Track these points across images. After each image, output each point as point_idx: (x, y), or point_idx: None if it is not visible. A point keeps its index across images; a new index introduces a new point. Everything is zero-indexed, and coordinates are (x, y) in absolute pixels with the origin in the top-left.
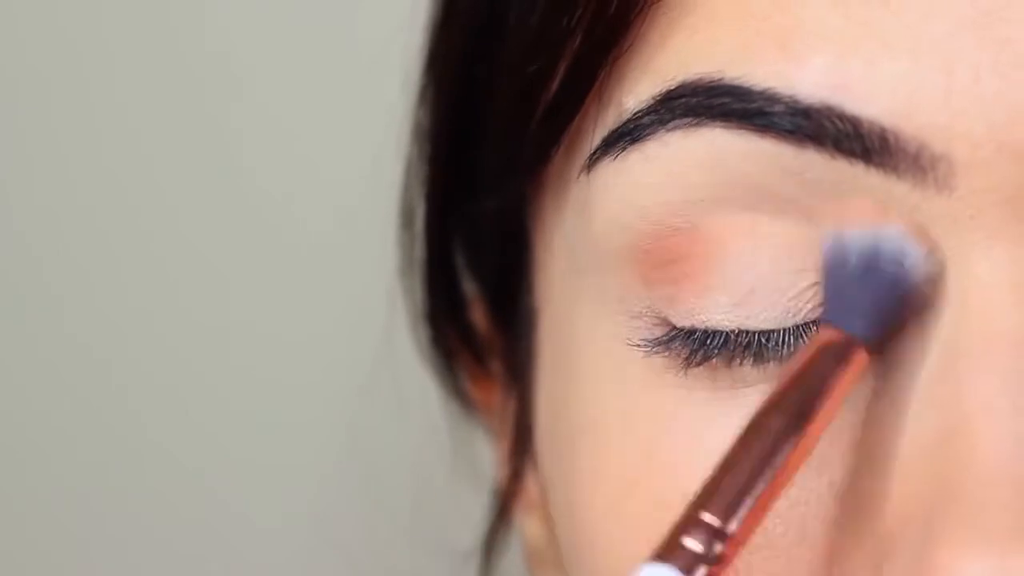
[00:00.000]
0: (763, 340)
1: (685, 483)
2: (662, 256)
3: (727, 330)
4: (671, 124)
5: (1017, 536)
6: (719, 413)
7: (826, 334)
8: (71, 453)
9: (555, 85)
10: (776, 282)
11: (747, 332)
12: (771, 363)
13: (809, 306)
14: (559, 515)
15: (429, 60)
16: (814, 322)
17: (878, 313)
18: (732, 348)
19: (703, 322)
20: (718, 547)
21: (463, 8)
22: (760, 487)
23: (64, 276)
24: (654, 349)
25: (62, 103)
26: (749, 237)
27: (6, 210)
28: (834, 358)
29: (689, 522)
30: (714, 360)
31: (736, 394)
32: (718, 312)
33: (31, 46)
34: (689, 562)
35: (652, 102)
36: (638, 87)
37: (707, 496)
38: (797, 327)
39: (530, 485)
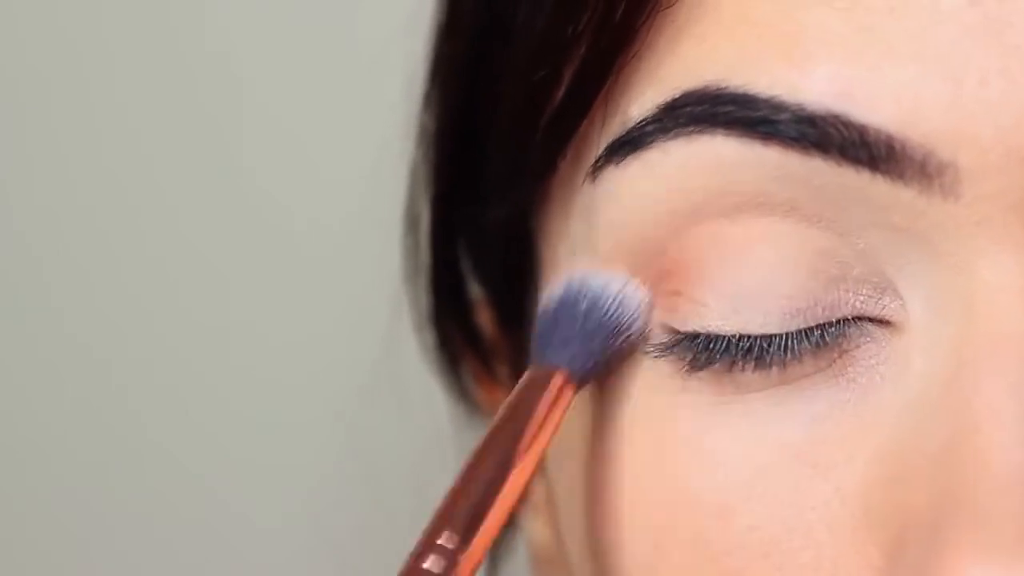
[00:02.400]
0: (764, 344)
1: (690, 488)
2: (664, 263)
3: (728, 335)
4: (673, 132)
5: None
6: (723, 417)
7: (531, 371)
8: (71, 453)
9: (561, 92)
10: (777, 287)
11: (748, 336)
12: (773, 368)
13: (810, 310)
14: (564, 518)
15: (434, 65)
16: (817, 326)
17: (576, 344)
18: (733, 353)
19: (706, 328)
20: (456, 567)
21: (468, 13)
22: (491, 508)
23: (64, 276)
24: (658, 355)
25: (62, 103)
26: (753, 245)
27: (6, 210)
28: (538, 387)
29: (428, 545)
30: (716, 365)
31: (739, 399)
32: (720, 318)
33: (31, 46)
34: None
35: (656, 110)
36: (643, 95)
37: (445, 519)
38: (800, 331)
39: (536, 488)
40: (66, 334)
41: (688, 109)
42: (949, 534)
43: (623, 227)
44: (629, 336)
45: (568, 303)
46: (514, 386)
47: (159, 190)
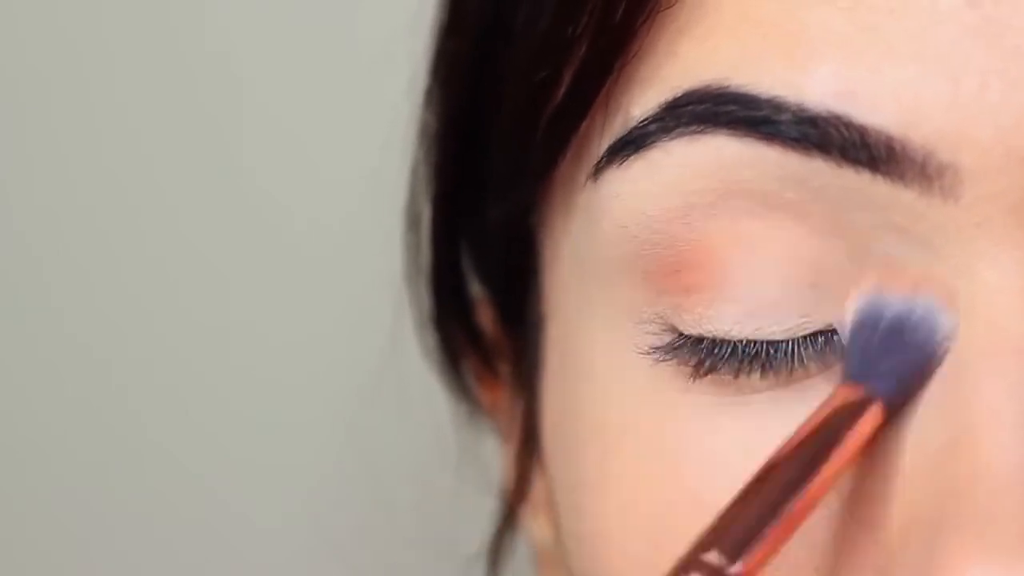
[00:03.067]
0: (771, 351)
1: (691, 488)
2: (668, 264)
3: (735, 340)
4: (676, 132)
5: (1023, 545)
6: (725, 418)
7: (845, 391)
8: (71, 453)
9: (561, 92)
10: (783, 292)
11: (754, 342)
12: (780, 372)
13: (817, 316)
14: (565, 518)
15: (435, 64)
16: (821, 332)
17: (902, 377)
18: (740, 358)
19: (711, 332)
20: None
21: (470, 13)
22: (767, 531)
23: (64, 276)
24: (661, 357)
25: (62, 103)
26: (755, 247)
27: (6, 210)
28: (851, 414)
29: (693, 561)
30: (721, 370)
31: (742, 400)
32: (726, 323)
33: (31, 46)
34: None
35: (658, 110)
36: (645, 95)
37: (713, 536)
38: (805, 338)
39: (537, 487)
40: (66, 334)
41: (690, 108)
42: (949, 534)
43: (626, 227)
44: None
45: (898, 329)
46: (515, 385)
47: (159, 190)
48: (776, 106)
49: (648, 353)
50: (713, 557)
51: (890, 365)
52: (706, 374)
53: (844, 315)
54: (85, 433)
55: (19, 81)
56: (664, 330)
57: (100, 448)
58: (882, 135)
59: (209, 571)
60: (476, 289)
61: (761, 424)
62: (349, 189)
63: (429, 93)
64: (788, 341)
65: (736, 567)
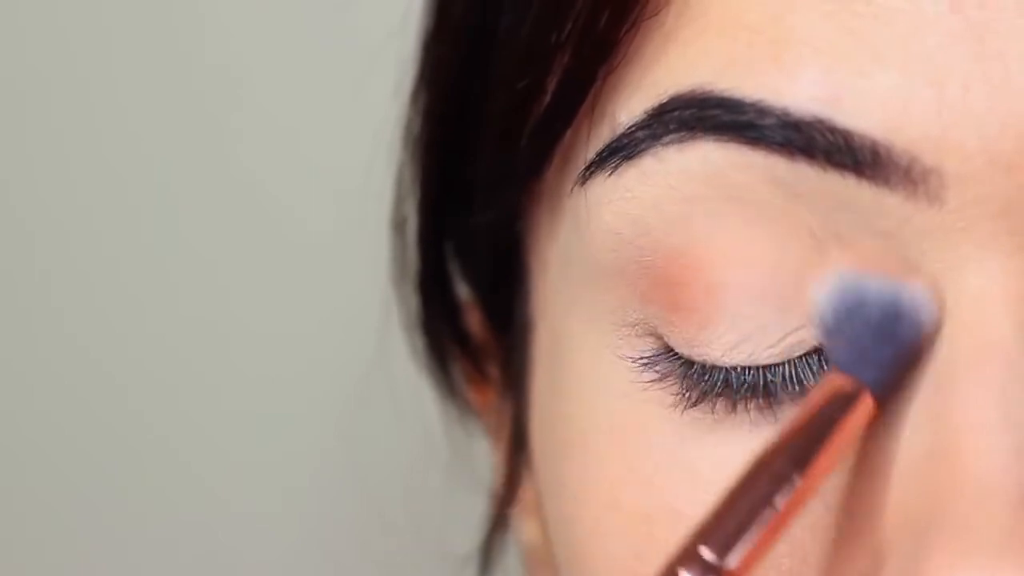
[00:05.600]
0: (768, 375)
1: (668, 498)
2: (659, 273)
3: (728, 366)
4: (665, 139)
5: (1007, 550)
6: (703, 434)
7: (836, 380)
8: (71, 453)
9: (546, 99)
10: (775, 308)
11: (749, 369)
12: (778, 396)
13: (806, 336)
14: (552, 522)
15: (422, 69)
16: (813, 351)
17: (892, 365)
18: (735, 387)
19: (702, 356)
20: None
21: (455, 20)
22: (760, 526)
23: (64, 276)
24: (645, 370)
25: (62, 104)
26: (747, 258)
27: (6, 210)
28: (842, 405)
29: (686, 556)
30: (714, 400)
31: (725, 420)
32: (718, 348)
33: (31, 46)
34: None
35: (645, 116)
36: (631, 101)
37: (705, 531)
38: (801, 358)
39: (527, 489)
40: (66, 334)
41: (676, 113)
42: (933, 539)
43: (620, 233)
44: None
45: (890, 318)
46: (504, 388)
47: (152, 194)
48: (760, 110)
49: (632, 361)
50: (706, 553)
51: (881, 355)
52: (697, 402)
53: (816, 296)
54: (84, 433)
55: (19, 81)
56: (648, 335)
57: (98, 447)
58: (867, 139)
59: (201, 569)
60: (464, 291)
61: (740, 439)
62: (337, 192)
63: (415, 98)
64: (784, 364)
65: (729, 561)
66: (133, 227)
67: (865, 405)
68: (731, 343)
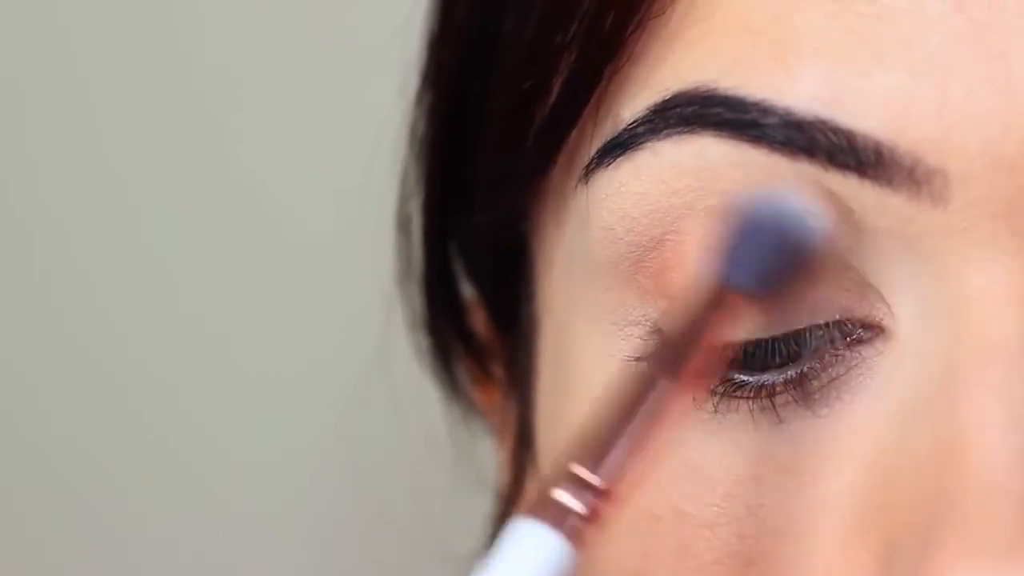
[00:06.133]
0: (749, 350)
1: (674, 498)
2: (651, 266)
3: (718, 347)
4: (664, 133)
5: (1013, 548)
6: (706, 431)
7: (710, 289)
8: (71, 453)
9: (551, 100)
10: None
11: (732, 345)
12: (765, 375)
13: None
14: None
15: (425, 70)
16: (804, 330)
17: (758, 264)
18: (724, 366)
19: None
20: (591, 501)
21: (459, 21)
22: (632, 440)
23: (64, 276)
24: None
25: (62, 104)
26: None
27: (6, 210)
28: (709, 308)
29: (561, 476)
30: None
31: (719, 416)
32: None
33: (31, 46)
34: (559, 517)
35: (647, 112)
36: (635, 99)
37: (579, 449)
38: (785, 335)
39: (532, 488)
40: (66, 334)
41: (678, 110)
42: (937, 538)
43: (612, 229)
44: (812, 256)
45: (755, 227)
46: (509, 387)
47: (152, 194)
48: (763, 109)
49: (635, 360)
50: (580, 471)
51: (745, 256)
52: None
53: None
54: (84, 432)
55: (19, 81)
56: (650, 333)
57: (98, 447)
58: (870, 140)
59: (201, 569)
60: (468, 291)
61: (743, 436)
62: (338, 192)
63: (419, 98)
64: (768, 340)
65: (613, 484)
66: (133, 227)
67: (733, 303)
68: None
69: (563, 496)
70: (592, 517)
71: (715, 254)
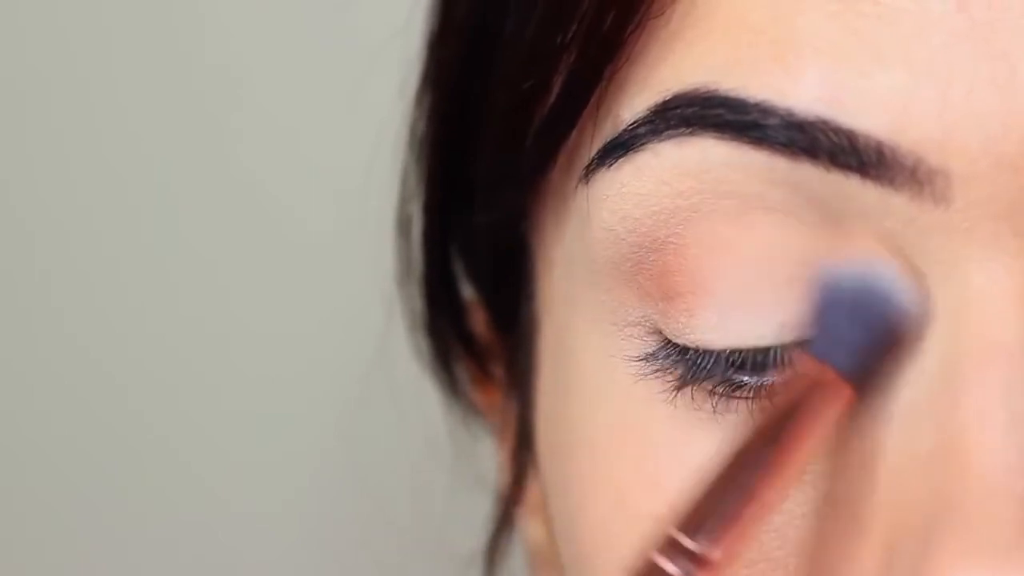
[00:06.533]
0: (759, 358)
1: (674, 499)
2: (652, 268)
3: (718, 349)
4: (665, 134)
5: (1014, 548)
6: (706, 431)
7: (811, 368)
8: (71, 453)
9: (551, 100)
10: (768, 294)
11: (740, 351)
12: (767, 375)
13: (800, 321)
14: (557, 523)
15: (425, 70)
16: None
17: (865, 350)
18: (724, 368)
19: (695, 342)
20: (695, 573)
21: (460, 21)
22: (741, 514)
23: (64, 276)
24: (647, 366)
25: (62, 104)
26: (740, 248)
27: (6, 211)
28: (818, 394)
29: (664, 544)
30: (705, 382)
31: (719, 416)
32: (707, 331)
33: (31, 47)
34: None
35: (647, 112)
36: (635, 99)
37: (688, 520)
38: (793, 343)
39: (532, 488)
40: (66, 334)
41: (679, 111)
42: (938, 538)
43: (613, 230)
44: (904, 341)
45: (861, 301)
46: (509, 388)
47: (152, 194)
48: (764, 110)
49: (634, 360)
50: (687, 541)
51: (853, 340)
52: (689, 385)
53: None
54: (84, 432)
55: (19, 81)
56: (650, 333)
57: (98, 447)
58: (871, 140)
59: (201, 569)
60: (468, 292)
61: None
62: (338, 192)
63: (419, 99)
64: (778, 347)
65: (712, 551)
66: (133, 227)
67: (842, 392)
68: (718, 324)
69: (669, 567)
70: None
71: (818, 338)
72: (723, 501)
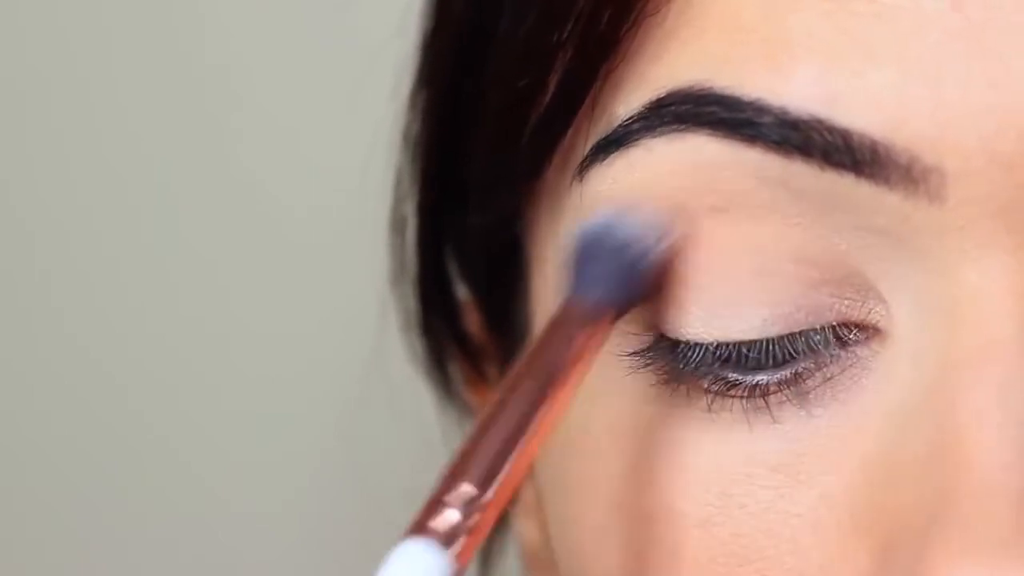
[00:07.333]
0: (744, 351)
1: (669, 498)
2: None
3: (707, 343)
4: (658, 130)
5: (1011, 547)
6: (699, 430)
7: (568, 305)
8: (71, 453)
9: (546, 98)
10: (758, 291)
11: (727, 345)
12: (759, 374)
13: (792, 315)
14: (552, 523)
15: (420, 69)
16: (800, 332)
17: (607, 275)
18: (711, 363)
19: (685, 336)
20: (476, 516)
21: (454, 18)
22: (513, 454)
23: (64, 276)
24: (640, 363)
25: (62, 104)
26: (731, 245)
27: (7, 211)
28: (574, 327)
29: (446, 493)
30: (696, 376)
31: (712, 413)
32: (697, 326)
33: (31, 47)
34: (448, 534)
35: (642, 109)
36: (630, 97)
37: (463, 466)
38: (781, 337)
39: (527, 489)
40: (66, 334)
41: (673, 108)
42: (935, 536)
43: None
44: (657, 259)
45: (596, 239)
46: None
47: (152, 194)
48: (758, 109)
49: (627, 356)
50: (467, 488)
51: (603, 272)
52: (684, 384)
53: None
54: (84, 432)
55: (19, 81)
56: (642, 329)
57: (98, 447)
58: (866, 139)
59: (201, 569)
60: (463, 292)
61: (737, 436)
62: (336, 193)
63: (414, 98)
64: (763, 341)
65: (487, 495)
66: (133, 227)
67: (593, 318)
68: (707, 319)
69: (450, 514)
70: (477, 530)
71: (575, 279)
72: (496, 443)
